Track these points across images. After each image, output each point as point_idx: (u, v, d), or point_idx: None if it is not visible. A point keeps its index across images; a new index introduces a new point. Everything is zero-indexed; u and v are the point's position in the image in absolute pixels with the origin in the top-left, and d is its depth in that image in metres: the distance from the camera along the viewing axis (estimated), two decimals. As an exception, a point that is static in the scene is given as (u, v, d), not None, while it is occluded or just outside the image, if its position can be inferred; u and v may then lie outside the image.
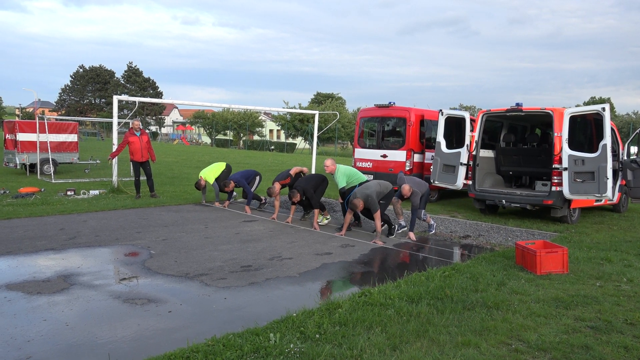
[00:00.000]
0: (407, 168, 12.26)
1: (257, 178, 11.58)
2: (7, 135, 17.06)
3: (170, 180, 16.03)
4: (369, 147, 13.54)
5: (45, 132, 15.96)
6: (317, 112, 17.02)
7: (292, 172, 10.37)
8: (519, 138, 12.72)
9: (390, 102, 13.13)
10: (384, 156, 12.79)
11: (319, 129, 17.56)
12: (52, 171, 15.61)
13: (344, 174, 9.42)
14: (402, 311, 4.63)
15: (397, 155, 12.51)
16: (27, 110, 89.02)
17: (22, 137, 16.00)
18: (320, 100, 62.65)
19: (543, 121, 12.05)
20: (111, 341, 4.02)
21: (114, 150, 12.01)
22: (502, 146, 12.16)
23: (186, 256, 6.75)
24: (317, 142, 17.61)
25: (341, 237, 8.50)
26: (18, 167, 16.54)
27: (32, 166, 16.66)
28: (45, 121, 16.35)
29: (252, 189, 11.17)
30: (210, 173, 11.32)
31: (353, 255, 7.30)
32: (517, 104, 10.32)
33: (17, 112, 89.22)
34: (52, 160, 16.03)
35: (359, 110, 23.23)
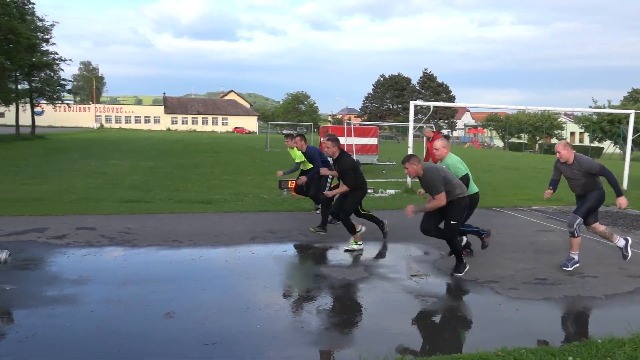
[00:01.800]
0: None
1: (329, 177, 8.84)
2: (322, 139, 19.93)
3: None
4: None
5: (352, 136, 18.00)
6: (632, 112, 14.70)
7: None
8: None
9: None
10: None
11: (635, 131, 15.07)
12: (355, 171, 17.48)
13: (460, 162, 6.69)
14: None
15: None
16: (337, 116, 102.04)
17: (333, 140, 18.40)
18: (636, 97, 53.80)
19: None
20: (403, 332, 4.28)
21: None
22: None
23: (475, 260, 6.68)
24: (632, 147, 15.16)
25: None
26: (331, 167, 19.08)
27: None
28: (352, 126, 18.44)
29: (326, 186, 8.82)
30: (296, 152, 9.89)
31: (679, 283, 6.02)
32: None
33: (329, 118, 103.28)
34: (357, 161, 17.95)
35: (692, 107, 19.00)
